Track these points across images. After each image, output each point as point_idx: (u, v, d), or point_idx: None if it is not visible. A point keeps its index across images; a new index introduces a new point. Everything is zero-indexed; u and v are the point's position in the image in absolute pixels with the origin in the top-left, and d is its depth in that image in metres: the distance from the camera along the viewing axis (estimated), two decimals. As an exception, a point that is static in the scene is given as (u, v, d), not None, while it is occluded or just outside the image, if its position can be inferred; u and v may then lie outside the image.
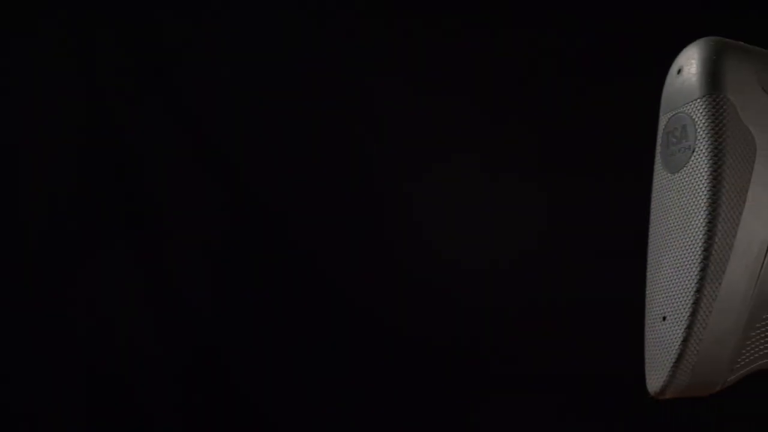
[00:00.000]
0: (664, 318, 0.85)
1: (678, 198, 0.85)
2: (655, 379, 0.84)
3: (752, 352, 0.86)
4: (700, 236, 0.83)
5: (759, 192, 0.84)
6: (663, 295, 0.85)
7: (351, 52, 1.73)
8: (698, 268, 0.83)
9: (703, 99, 0.85)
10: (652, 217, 0.88)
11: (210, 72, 1.73)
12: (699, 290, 0.82)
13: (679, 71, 0.87)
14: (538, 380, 1.66)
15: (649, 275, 0.88)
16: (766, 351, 0.86)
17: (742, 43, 0.87)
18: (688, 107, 0.86)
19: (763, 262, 0.84)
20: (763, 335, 0.85)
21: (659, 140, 0.88)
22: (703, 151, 0.84)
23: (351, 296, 1.72)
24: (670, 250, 0.85)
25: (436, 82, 1.70)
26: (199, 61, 1.74)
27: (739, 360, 0.85)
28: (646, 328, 0.87)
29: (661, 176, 0.88)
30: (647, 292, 0.87)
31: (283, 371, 1.70)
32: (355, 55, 1.73)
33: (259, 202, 1.75)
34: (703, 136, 0.84)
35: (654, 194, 0.88)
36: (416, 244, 1.71)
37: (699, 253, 0.83)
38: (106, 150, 1.74)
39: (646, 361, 0.86)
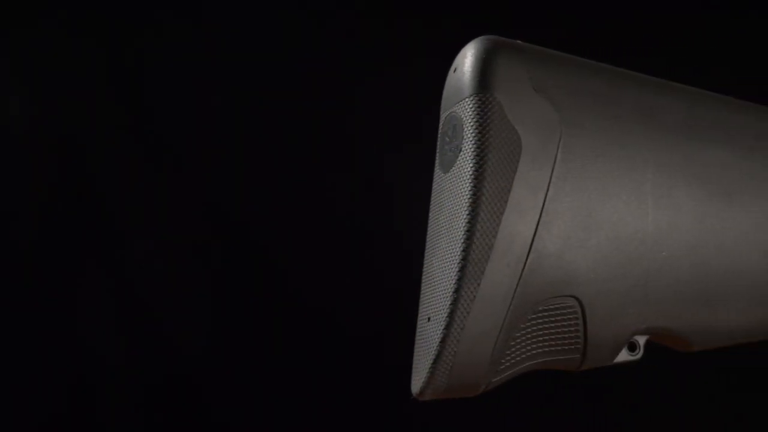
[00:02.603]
0: (429, 319, 0.84)
1: (447, 198, 0.85)
2: (416, 380, 0.84)
3: (518, 353, 0.85)
4: (460, 236, 0.82)
5: (523, 192, 0.83)
6: (429, 296, 0.85)
7: (351, 53, 1.72)
8: (456, 269, 0.82)
9: (471, 98, 0.84)
10: (429, 217, 0.88)
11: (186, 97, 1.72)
12: (457, 291, 0.82)
13: (454, 70, 0.86)
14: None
15: (422, 277, 0.87)
16: (532, 352, 0.85)
17: (519, 41, 0.86)
18: (458, 106, 0.85)
19: (525, 263, 0.83)
20: (528, 336, 0.85)
21: (437, 140, 0.88)
22: (468, 150, 0.83)
23: (332, 316, 1.70)
24: (437, 251, 0.85)
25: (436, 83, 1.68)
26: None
27: (503, 361, 0.84)
28: (416, 330, 0.86)
29: (437, 176, 0.87)
30: (420, 294, 0.87)
31: (257, 389, 1.69)
32: (355, 55, 1.71)
33: (239, 222, 1.73)
34: (469, 135, 0.83)
35: (432, 194, 0.88)
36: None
37: (458, 253, 0.82)
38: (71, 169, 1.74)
39: (413, 362, 0.85)
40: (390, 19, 1.72)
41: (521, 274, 0.83)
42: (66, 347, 1.69)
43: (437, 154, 0.87)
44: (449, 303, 0.82)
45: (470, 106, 0.84)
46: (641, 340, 0.88)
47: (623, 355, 0.88)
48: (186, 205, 1.72)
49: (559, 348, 0.86)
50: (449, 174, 0.85)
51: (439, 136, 0.87)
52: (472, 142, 0.83)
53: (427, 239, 0.87)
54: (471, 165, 0.83)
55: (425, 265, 0.87)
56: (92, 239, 1.72)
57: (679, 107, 0.88)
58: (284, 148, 1.72)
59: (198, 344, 1.70)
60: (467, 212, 0.82)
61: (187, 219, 1.72)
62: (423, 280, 0.86)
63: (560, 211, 0.84)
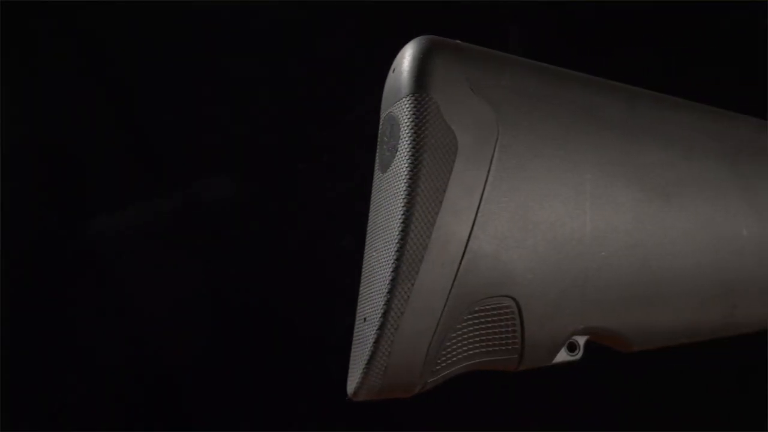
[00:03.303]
0: (365, 319, 0.84)
1: (384, 198, 0.85)
2: (351, 380, 0.84)
3: (453, 353, 0.85)
4: (395, 236, 0.82)
5: (458, 192, 0.83)
6: (365, 296, 0.85)
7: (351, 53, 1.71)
8: (390, 269, 0.82)
9: (407, 98, 0.84)
10: (369, 217, 0.87)
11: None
12: (390, 291, 0.82)
13: (393, 70, 0.86)
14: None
15: (360, 277, 0.87)
16: (469, 353, 0.85)
17: (458, 41, 0.86)
18: (396, 107, 0.85)
19: (461, 263, 0.83)
20: (464, 337, 0.85)
21: (377, 140, 0.88)
22: (404, 151, 0.83)
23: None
24: (374, 251, 0.85)
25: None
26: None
27: (439, 361, 0.84)
28: (353, 330, 0.86)
29: (376, 176, 0.87)
30: (358, 294, 0.87)
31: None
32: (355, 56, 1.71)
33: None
34: (405, 136, 0.83)
35: (371, 194, 0.88)
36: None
37: (392, 253, 0.82)
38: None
39: (350, 362, 0.85)
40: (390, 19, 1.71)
41: (456, 275, 0.83)
42: (59, 347, 1.70)
43: (377, 155, 0.87)
44: (383, 303, 0.82)
45: (406, 106, 0.84)
46: (581, 340, 0.88)
47: (562, 356, 0.87)
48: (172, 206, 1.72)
49: (496, 348, 0.85)
50: (386, 174, 0.84)
51: (378, 136, 0.87)
52: (408, 142, 0.83)
53: (366, 239, 0.87)
54: (406, 165, 0.83)
55: (363, 265, 0.86)
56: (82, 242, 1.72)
57: (620, 107, 0.87)
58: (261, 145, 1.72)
59: (187, 344, 1.70)
60: (402, 212, 0.82)
61: (173, 219, 1.72)
62: (361, 281, 0.86)
63: (496, 212, 0.83)
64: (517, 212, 0.84)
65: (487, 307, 0.84)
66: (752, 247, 0.89)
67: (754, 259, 0.89)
